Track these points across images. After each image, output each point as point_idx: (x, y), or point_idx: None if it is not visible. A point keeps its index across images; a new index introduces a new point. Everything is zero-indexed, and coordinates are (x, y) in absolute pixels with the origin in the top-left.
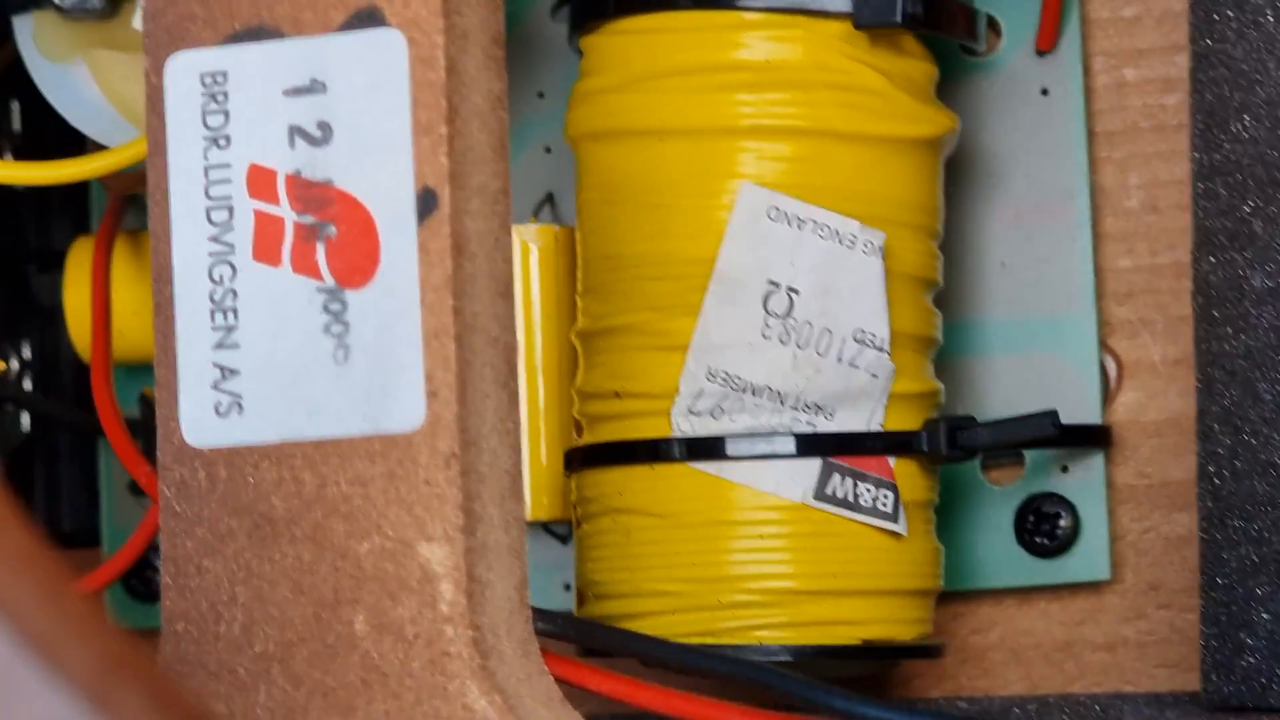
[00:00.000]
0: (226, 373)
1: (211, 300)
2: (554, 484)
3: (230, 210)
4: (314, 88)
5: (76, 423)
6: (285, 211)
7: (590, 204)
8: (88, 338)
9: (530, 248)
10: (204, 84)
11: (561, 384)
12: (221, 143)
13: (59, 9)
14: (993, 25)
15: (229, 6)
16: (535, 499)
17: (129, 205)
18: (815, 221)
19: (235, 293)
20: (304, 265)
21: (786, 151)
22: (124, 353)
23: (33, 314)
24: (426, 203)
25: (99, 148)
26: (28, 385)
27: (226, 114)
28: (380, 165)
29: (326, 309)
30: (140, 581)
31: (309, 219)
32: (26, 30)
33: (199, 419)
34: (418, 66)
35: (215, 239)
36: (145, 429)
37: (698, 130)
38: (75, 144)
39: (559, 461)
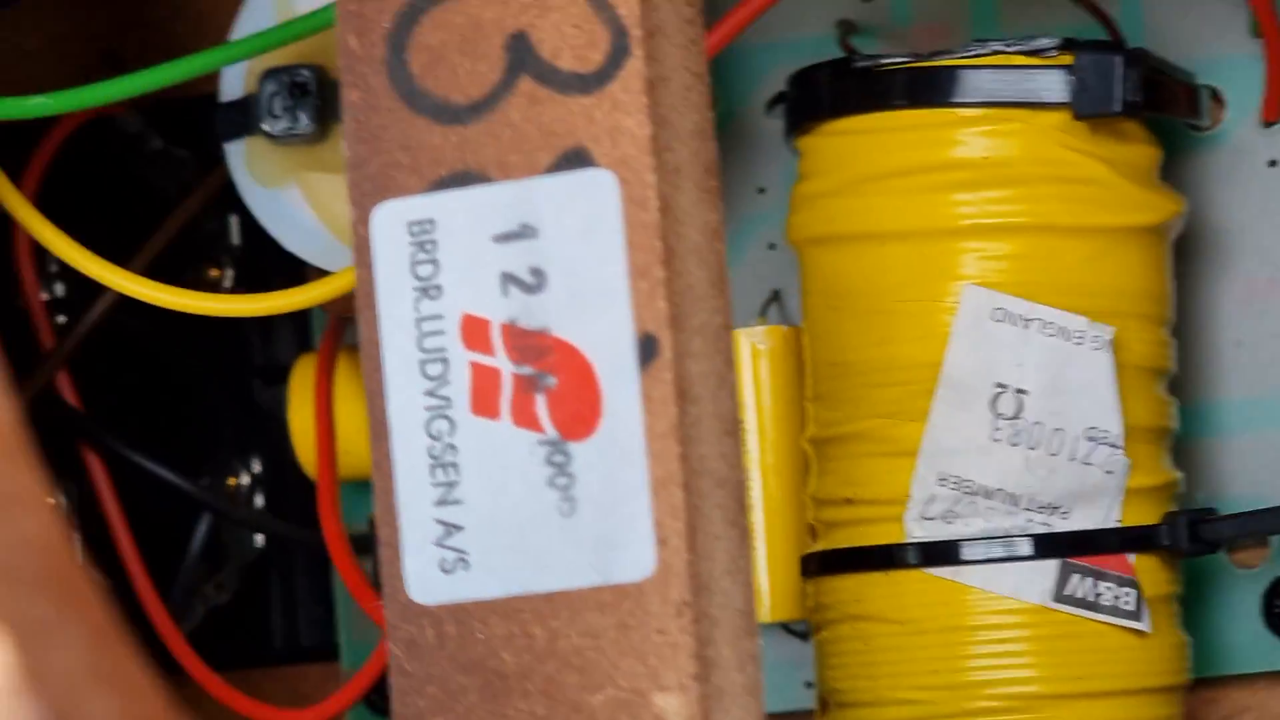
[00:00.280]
0: (450, 529)
1: (431, 456)
2: (791, 585)
3: (445, 363)
4: (524, 233)
5: (307, 541)
6: (502, 362)
7: (815, 308)
8: (313, 456)
9: (759, 350)
10: (411, 233)
11: (795, 484)
12: (432, 293)
13: (269, 135)
14: (1215, 98)
15: (433, 153)
16: (774, 601)
17: (350, 323)
18: (1041, 320)
19: (455, 448)
20: (524, 418)
21: (1008, 249)
22: (350, 470)
23: (260, 428)
24: (647, 349)
25: (318, 268)
26: (260, 499)
27: (436, 263)
28: (598, 312)
29: (550, 461)
30: (381, 697)
31: (527, 370)
32: (239, 156)
33: (424, 576)
34: (630, 207)
35: (431, 393)
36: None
37: (918, 233)
38: (294, 261)
39: (795, 563)
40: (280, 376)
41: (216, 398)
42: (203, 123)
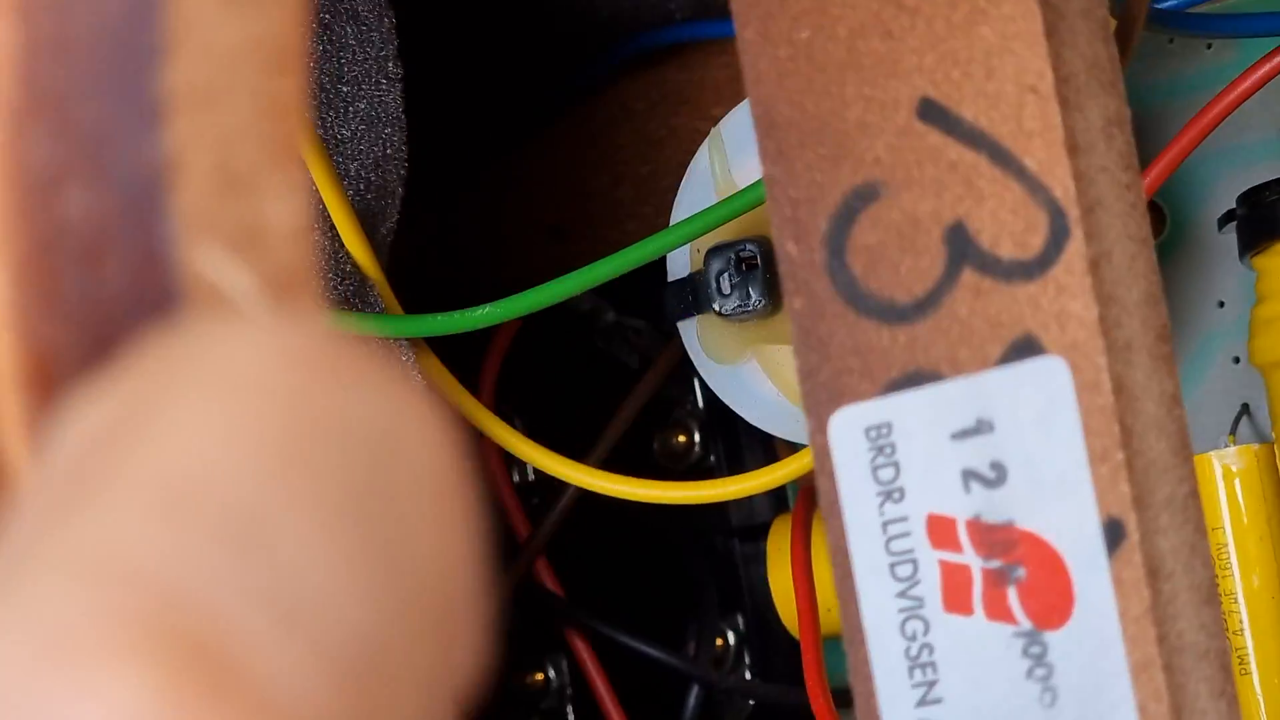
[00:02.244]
0: None
1: (908, 657)
2: None
3: (914, 563)
4: (981, 427)
5: (796, 705)
6: (971, 559)
7: None
8: (794, 615)
9: (1232, 472)
10: (869, 438)
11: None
12: (895, 495)
13: (720, 314)
14: None
15: (883, 355)
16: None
17: None
18: None
19: (931, 647)
20: (998, 611)
21: None
22: (833, 626)
23: (742, 586)
24: (1114, 533)
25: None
26: (746, 656)
27: (896, 465)
28: (1061, 501)
29: (1026, 653)
30: None
31: (996, 563)
32: (691, 334)
33: None
34: (1084, 392)
35: (903, 594)
36: None
37: None
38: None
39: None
40: (758, 534)
41: (696, 560)
42: (653, 294)
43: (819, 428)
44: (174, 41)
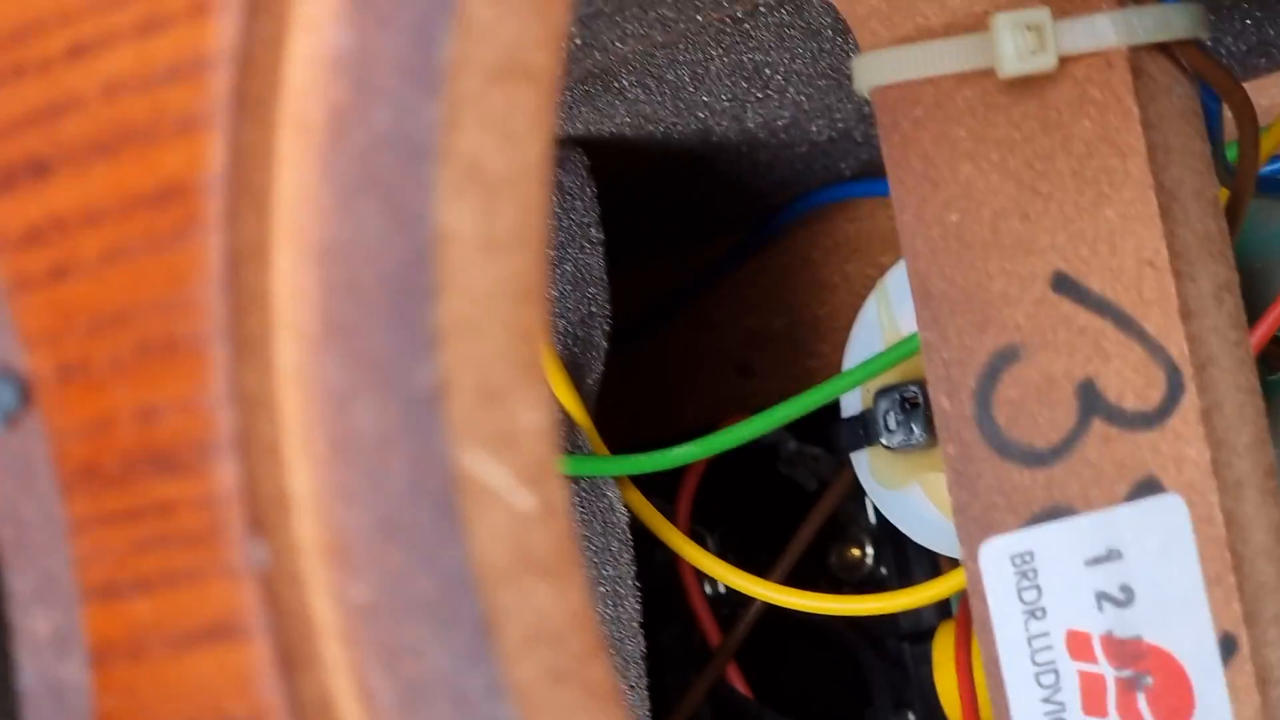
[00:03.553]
0: None
1: None
2: None
3: (1056, 673)
4: (1111, 555)
5: None
6: (1104, 669)
7: None
8: (959, 713)
9: None
10: (1014, 564)
11: None
12: (1038, 614)
13: (887, 447)
14: None
15: (1026, 494)
16: None
17: None
18: None
19: None
20: (1129, 714)
21: None
22: None
23: (911, 687)
24: (1227, 647)
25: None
26: None
27: (1038, 588)
28: (1181, 619)
29: None
30: None
31: (1127, 673)
32: (863, 463)
33: None
34: (1200, 525)
35: (1047, 699)
36: None
37: None
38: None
39: None
40: (925, 638)
41: (870, 662)
42: (828, 424)
43: (971, 556)
44: (442, 284)
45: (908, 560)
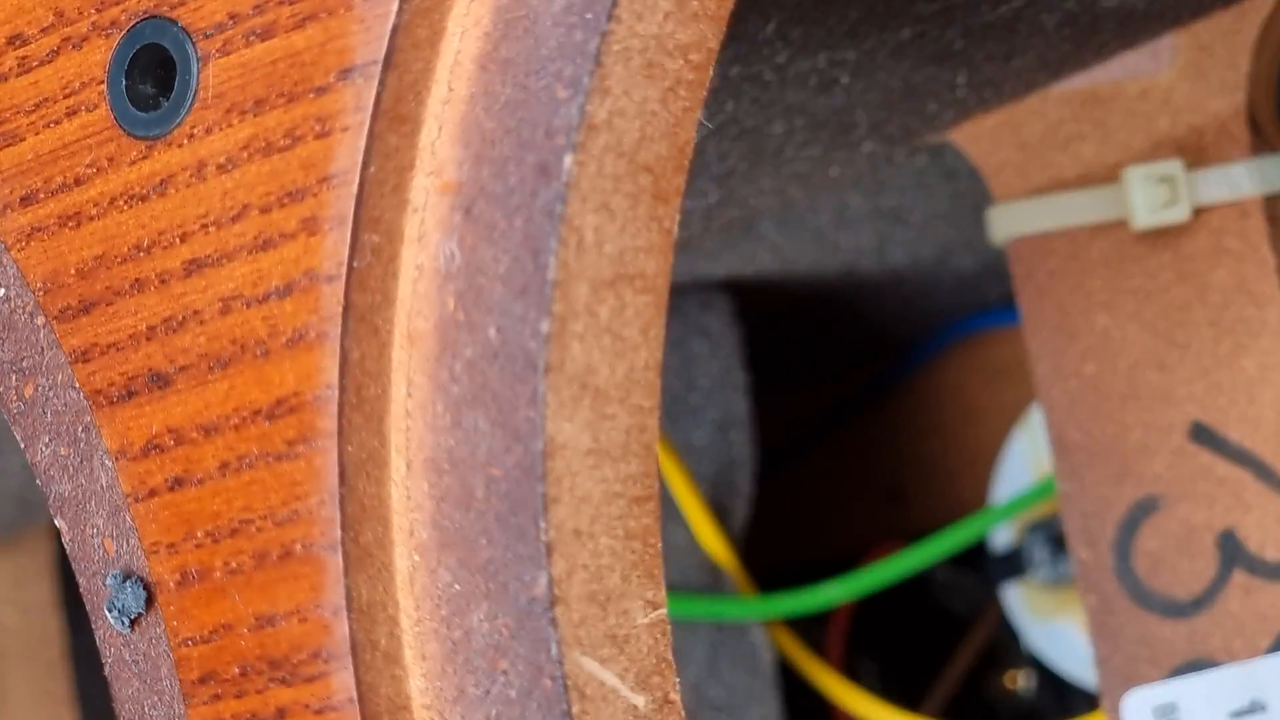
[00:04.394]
0: None
1: None
2: None
3: None
4: (1255, 708)
5: None
6: None
7: None
8: None
9: None
10: (1158, 717)
11: None
12: None
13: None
14: None
15: (1167, 645)
16: None
17: None
18: None
19: None
20: None
21: None
22: None
23: None
24: None
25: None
26: None
27: None
28: None
29: None
30: None
31: None
32: (1015, 597)
33: None
34: None
35: None
36: None
37: None
38: None
39: None
40: None
41: None
42: (980, 553)
43: (1113, 708)
44: (553, 495)
45: (1066, 691)
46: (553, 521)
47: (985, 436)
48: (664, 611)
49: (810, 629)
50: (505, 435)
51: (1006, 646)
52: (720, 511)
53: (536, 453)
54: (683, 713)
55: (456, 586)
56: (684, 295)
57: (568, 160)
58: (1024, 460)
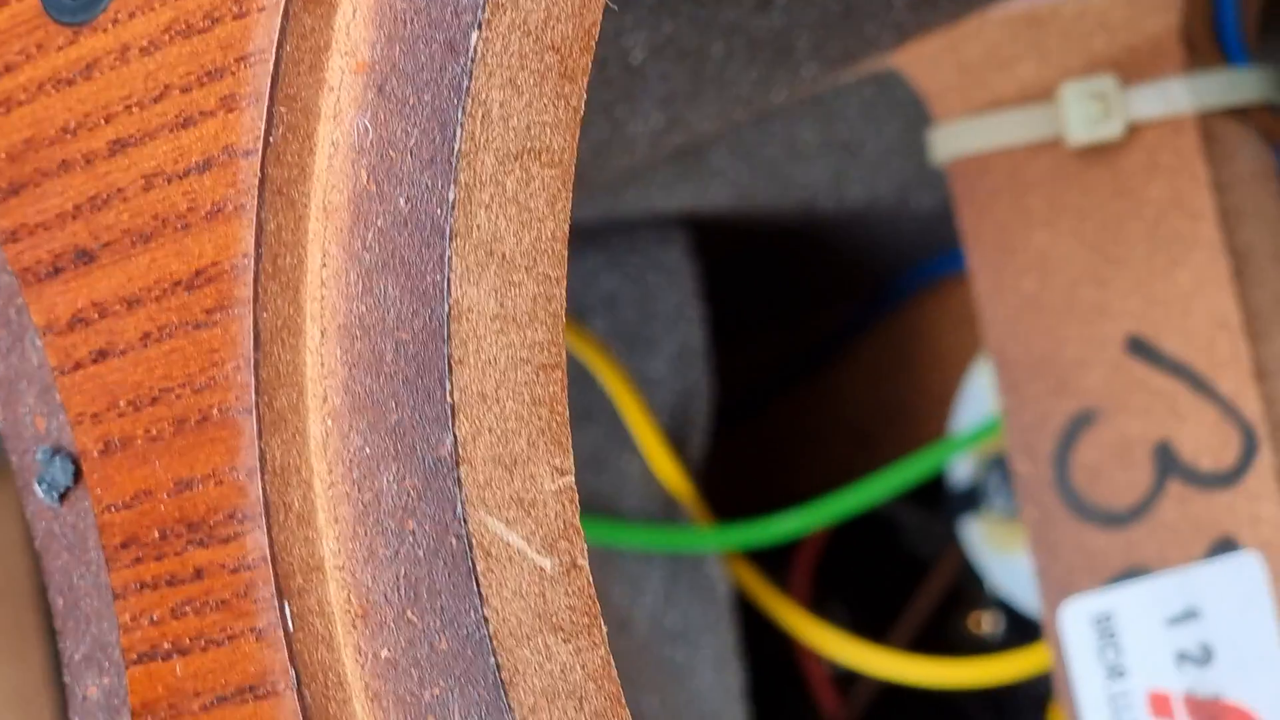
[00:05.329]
0: None
1: None
2: None
3: None
4: (1190, 615)
5: None
6: None
7: None
8: None
9: None
10: (1095, 625)
11: None
12: (1119, 674)
13: (997, 515)
14: None
15: (1105, 555)
16: None
17: None
18: None
19: None
20: None
21: None
22: None
23: None
24: None
25: None
26: None
27: (1118, 648)
28: (1260, 676)
29: None
30: None
31: None
32: (974, 532)
33: None
34: (1278, 582)
35: None
36: None
37: None
38: None
39: None
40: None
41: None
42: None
43: (1052, 617)
44: (461, 356)
45: (1032, 634)
46: (458, 384)
47: (953, 380)
48: (571, 479)
49: (778, 571)
50: (413, 300)
51: (972, 591)
52: (678, 443)
53: (442, 316)
54: (590, 579)
55: (367, 450)
56: (640, 229)
57: (474, 36)
58: (984, 395)
